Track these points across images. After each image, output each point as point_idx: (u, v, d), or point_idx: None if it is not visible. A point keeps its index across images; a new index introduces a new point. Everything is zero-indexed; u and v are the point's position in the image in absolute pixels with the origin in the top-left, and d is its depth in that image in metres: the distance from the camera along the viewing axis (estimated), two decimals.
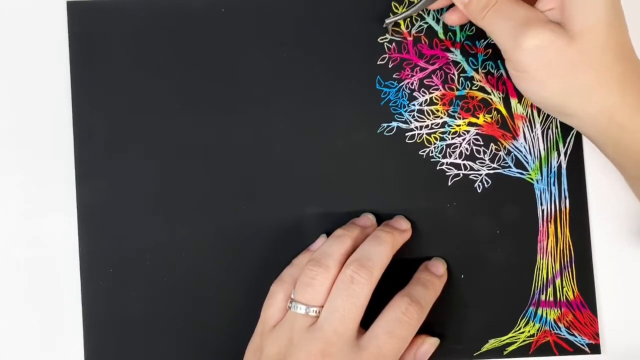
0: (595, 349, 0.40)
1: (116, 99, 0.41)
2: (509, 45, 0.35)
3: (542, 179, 0.41)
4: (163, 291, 0.40)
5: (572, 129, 0.40)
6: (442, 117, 0.41)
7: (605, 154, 0.37)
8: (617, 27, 0.34)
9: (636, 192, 0.37)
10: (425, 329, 0.39)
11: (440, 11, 0.41)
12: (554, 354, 0.40)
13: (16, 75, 0.42)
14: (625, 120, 0.34)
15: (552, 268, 0.40)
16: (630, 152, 0.35)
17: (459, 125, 0.41)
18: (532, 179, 0.41)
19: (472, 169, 0.41)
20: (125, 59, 0.41)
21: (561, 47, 0.33)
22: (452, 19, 0.39)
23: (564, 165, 0.41)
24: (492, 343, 0.40)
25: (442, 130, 0.41)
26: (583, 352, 0.40)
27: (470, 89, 0.41)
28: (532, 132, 0.41)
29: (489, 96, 0.41)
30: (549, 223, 0.40)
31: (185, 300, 0.40)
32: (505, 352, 0.40)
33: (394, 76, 0.41)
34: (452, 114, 0.41)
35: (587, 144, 0.41)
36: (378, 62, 0.41)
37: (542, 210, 0.40)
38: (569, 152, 0.41)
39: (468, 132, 0.41)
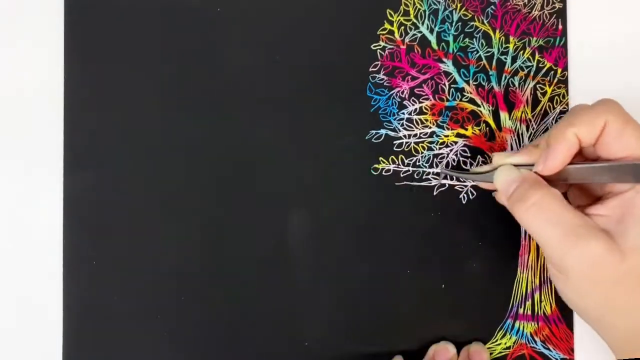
0: None
1: (108, 93, 0.41)
2: (553, 251, 0.33)
3: None
4: (146, 285, 0.41)
5: None
6: (430, 127, 0.41)
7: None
8: None
9: None
10: (405, 337, 0.39)
11: (435, 21, 0.41)
12: None
13: (6, 64, 0.42)
14: None
15: (532, 282, 0.41)
16: None
17: (447, 136, 0.41)
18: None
19: (458, 180, 0.41)
20: (119, 53, 0.41)
21: (611, 263, 0.31)
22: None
23: None
24: None
25: (430, 140, 0.41)
26: None
27: (461, 100, 0.41)
28: (520, 146, 0.41)
29: (479, 108, 0.41)
30: (531, 238, 0.41)
31: (167, 296, 0.41)
32: None
33: (384, 84, 0.41)
34: (441, 124, 0.41)
35: None
36: (370, 69, 0.41)
37: None
38: None
39: (456, 143, 0.41)
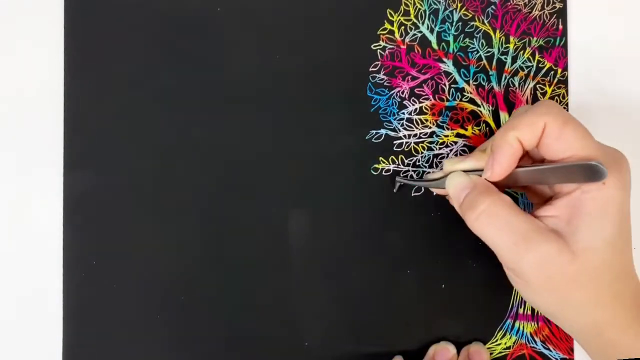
0: None
1: (108, 92, 0.41)
2: (507, 256, 0.33)
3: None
4: (145, 285, 0.41)
5: None
6: (430, 127, 0.41)
7: (591, 358, 0.36)
8: (620, 247, 0.33)
9: None
10: (405, 337, 0.39)
11: (435, 21, 0.41)
12: None
13: (6, 64, 0.42)
14: (614, 336, 0.33)
15: None
16: None
17: (447, 136, 0.41)
18: (517, 193, 0.41)
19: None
20: (119, 53, 0.41)
21: (562, 264, 0.32)
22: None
23: None
24: None
25: (430, 140, 0.41)
26: None
27: (461, 100, 0.41)
28: None
29: (479, 108, 0.41)
30: None
31: (168, 296, 0.41)
32: None
33: (385, 84, 0.41)
34: (441, 124, 0.41)
35: None
36: (370, 69, 0.41)
37: None
38: None
39: (456, 143, 0.41)
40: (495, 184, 0.35)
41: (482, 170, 0.35)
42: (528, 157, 0.36)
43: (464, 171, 0.36)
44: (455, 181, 0.36)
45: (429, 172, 0.40)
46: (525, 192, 0.39)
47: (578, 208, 0.33)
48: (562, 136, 0.33)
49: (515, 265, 0.33)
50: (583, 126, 0.33)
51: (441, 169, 0.38)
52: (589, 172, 0.32)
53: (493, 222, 0.33)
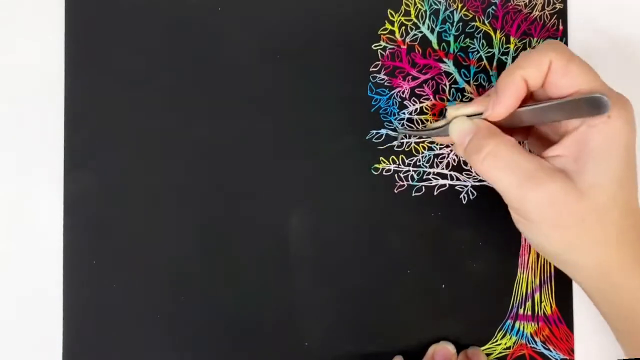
0: None
1: (108, 92, 0.41)
2: (512, 197, 0.33)
3: None
4: (146, 285, 0.41)
5: None
6: None
7: (595, 304, 0.36)
8: (627, 184, 0.33)
9: (622, 344, 0.37)
10: (405, 337, 0.39)
11: (436, 21, 0.41)
12: None
13: (6, 64, 0.41)
14: (619, 279, 0.33)
15: (532, 282, 0.41)
16: (621, 309, 0.34)
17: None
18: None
19: (458, 179, 0.41)
20: (119, 53, 0.41)
21: (570, 203, 0.32)
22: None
23: None
24: None
25: (430, 140, 0.41)
26: None
27: (461, 100, 0.41)
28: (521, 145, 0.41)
29: None
30: None
31: (168, 296, 0.41)
32: None
33: (385, 84, 0.41)
34: None
35: None
36: (371, 69, 0.41)
37: None
38: None
39: None
40: (499, 126, 0.35)
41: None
42: (532, 100, 0.36)
43: (468, 116, 0.36)
44: (459, 126, 0.35)
45: (431, 122, 0.40)
46: (530, 139, 0.38)
47: (584, 144, 0.32)
48: (568, 72, 0.33)
49: (520, 204, 0.33)
50: (587, 64, 0.33)
51: (444, 117, 0.38)
52: (593, 104, 0.32)
53: (498, 163, 0.33)
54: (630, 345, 0.35)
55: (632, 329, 0.34)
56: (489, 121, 0.35)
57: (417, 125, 0.41)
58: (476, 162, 0.34)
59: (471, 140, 0.34)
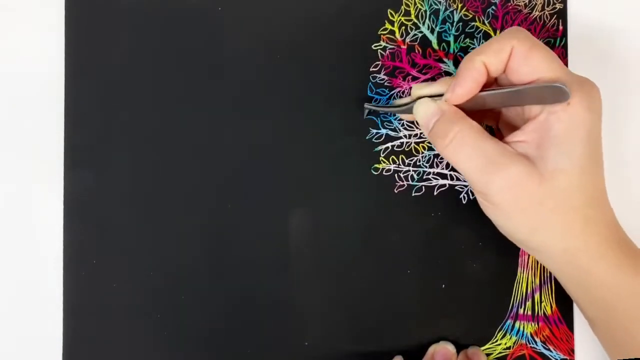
0: None
1: (109, 92, 0.41)
2: (476, 180, 0.34)
3: None
4: (146, 285, 0.41)
5: None
6: None
7: (567, 289, 0.37)
8: (591, 172, 0.33)
9: (595, 331, 0.37)
10: (405, 337, 0.39)
11: (436, 21, 0.41)
12: None
13: (6, 64, 0.42)
14: (586, 264, 0.33)
15: (532, 282, 0.41)
16: (590, 294, 0.35)
17: None
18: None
19: (458, 179, 0.41)
20: (120, 52, 0.41)
21: (531, 187, 0.32)
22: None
23: None
24: None
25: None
26: None
27: None
28: None
29: None
30: None
31: (167, 296, 0.41)
32: None
33: (385, 84, 0.41)
34: None
35: None
36: (371, 69, 0.41)
37: None
38: None
39: None
40: (463, 109, 0.35)
41: None
42: (497, 85, 0.36)
43: (432, 96, 0.36)
44: (423, 108, 0.36)
45: (397, 98, 0.40)
46: (500, 125, 0.39)
47: (545, 130, 0.33)
48: (529, 59, 0.33)
49: (484, 188, 0.33)
50: (551, 51, 0.34)
51: (409, 94, 0.38)
52: (552, 93, 0.32)
53: (463, 148, 0.34)
54: (604, 337, 0.36)
55: (604, 317, 0.35)
56: (455, 105, 0.35)
57: (417, 126, 0.41)
58: (441, 146, 0.34)
59: (436, 123, 0.35)
